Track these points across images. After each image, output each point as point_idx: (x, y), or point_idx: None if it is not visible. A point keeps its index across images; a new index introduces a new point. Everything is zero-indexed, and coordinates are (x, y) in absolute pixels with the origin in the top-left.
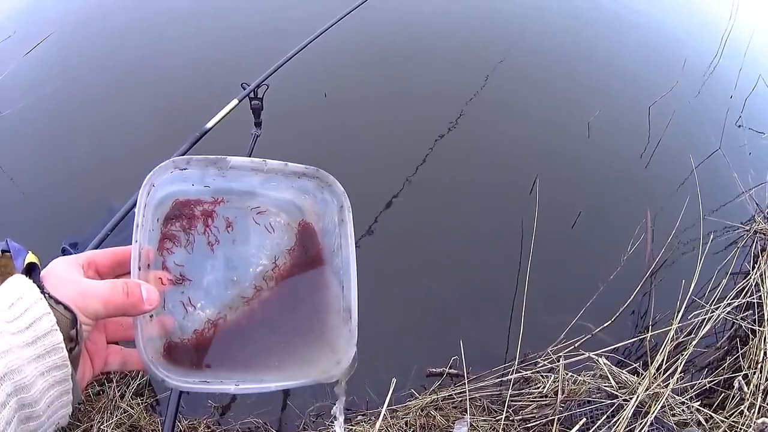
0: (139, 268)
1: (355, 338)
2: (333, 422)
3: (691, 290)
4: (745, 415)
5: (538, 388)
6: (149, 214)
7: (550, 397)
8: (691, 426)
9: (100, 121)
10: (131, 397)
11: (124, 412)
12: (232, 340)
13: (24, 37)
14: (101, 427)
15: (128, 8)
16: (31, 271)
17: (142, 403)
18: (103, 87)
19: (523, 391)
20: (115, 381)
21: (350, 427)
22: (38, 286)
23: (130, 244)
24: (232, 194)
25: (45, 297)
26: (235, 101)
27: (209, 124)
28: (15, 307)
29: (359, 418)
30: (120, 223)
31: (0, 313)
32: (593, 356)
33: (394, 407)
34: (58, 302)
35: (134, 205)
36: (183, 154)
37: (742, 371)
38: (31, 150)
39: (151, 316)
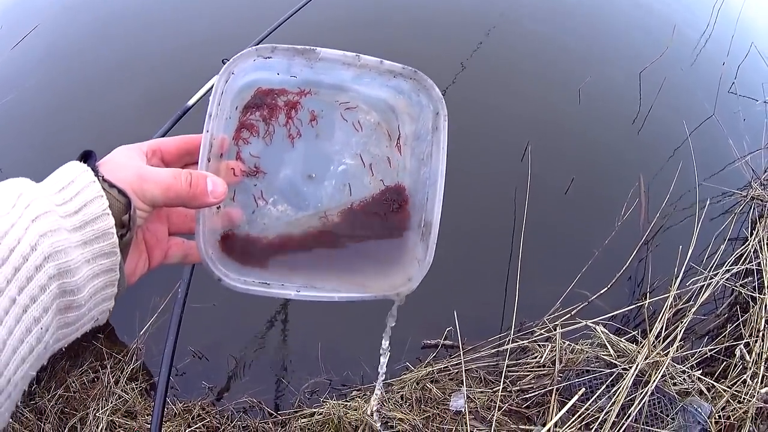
0: (208, 159)
1: (431, 256)
2: (383, 337)
3: (688, 256)
4: (748, 385)
5: (536, 357)
6: (227, 102)
7: (547, 366)
8: (693, 395)
9: (87, 109)
10: (125, 382)
11: (119, 398)
12: (300, 245)
13: (9, 30)
14: (97, 414)
15: None
16: (88, 157)
17: (136, 388)
18: (88, 75)
19: (520, 361)
20: (109, 367)
21: (345, 402)
22: (93, 170)
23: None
24: (320, 87)
25: (99, 180)
26: (215, 78)
27: (191, 102)
28: (66, 190)
29: (354, 393)
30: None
31: (50, 196)
32: (590, 324)
33: (389, 381)
34: (112, 186)
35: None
36: (164, 134)
37: (743, 339)
38: (20, 143)
39: (218, 208)
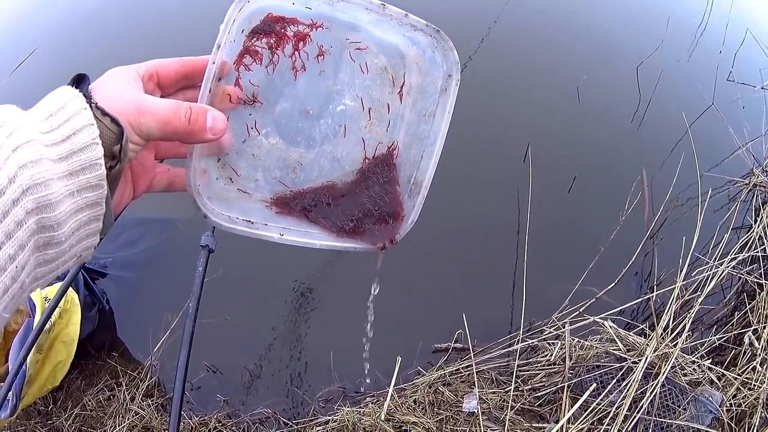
0: (210, 90)
1: (417, 215)
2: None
3: (693, 247)
4: (758, 371)
5: (546, 356)
6: (235, 28)
7: (558, 364)
8: (703, 385)
9: None
10: (141, 399)
11: (136, 414)
12: (291, 199)
13: (8, 54)
14: (114, 431)
15: (109, 15)
16: (80, 82)
17: (152, 404)
18: None
19: (530, 360)
20: (124, 384)
21: (359, 409)
22: (85, 96)
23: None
24: (333, 22)
25: (91, 107)
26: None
27: None
28: (54, 117)
29: (367, 399)
30: None
31: (36, 124)
32: (598, 320)
33: (401, 386)
34: (104, 114)
35: None
36: None
37: (751, 326)
38: None
39: None
